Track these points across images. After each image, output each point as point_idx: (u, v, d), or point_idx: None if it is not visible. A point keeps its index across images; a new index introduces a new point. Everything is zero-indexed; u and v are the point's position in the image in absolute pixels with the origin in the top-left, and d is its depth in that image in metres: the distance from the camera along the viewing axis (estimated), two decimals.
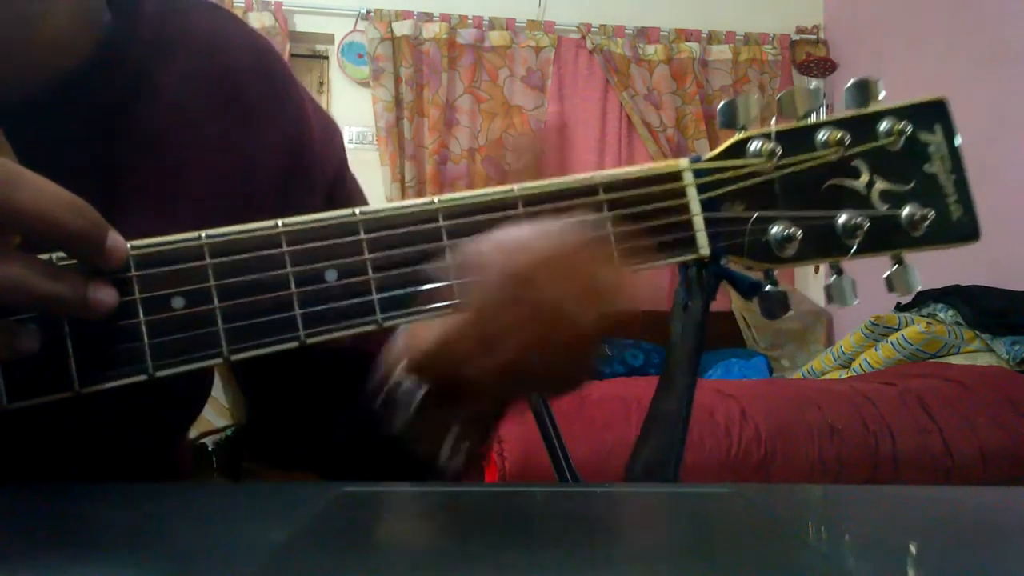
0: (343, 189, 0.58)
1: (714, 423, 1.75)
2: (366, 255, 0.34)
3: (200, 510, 0.27)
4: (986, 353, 2.34)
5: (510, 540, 0.23)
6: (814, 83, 3.52)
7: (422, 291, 0.35)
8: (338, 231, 0.34)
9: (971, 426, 1.83)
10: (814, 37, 3.56)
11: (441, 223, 0.35)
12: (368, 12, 3.24)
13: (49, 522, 0.24)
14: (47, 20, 0.41)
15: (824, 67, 3.44)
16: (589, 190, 0.37)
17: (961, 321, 2.42)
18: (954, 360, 2.33)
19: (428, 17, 3.30)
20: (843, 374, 2.57)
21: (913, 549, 0.23)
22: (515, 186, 0.36)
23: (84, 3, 0.44)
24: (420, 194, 3.25)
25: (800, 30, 3.58)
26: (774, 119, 0.40)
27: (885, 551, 0.21)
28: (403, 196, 3.20)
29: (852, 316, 2.96)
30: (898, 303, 2.70)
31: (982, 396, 1.92)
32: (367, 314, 0.34)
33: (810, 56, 3.47)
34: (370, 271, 0.34)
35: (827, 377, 2.61)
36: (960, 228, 0.40)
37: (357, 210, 0.34)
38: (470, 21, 3.35)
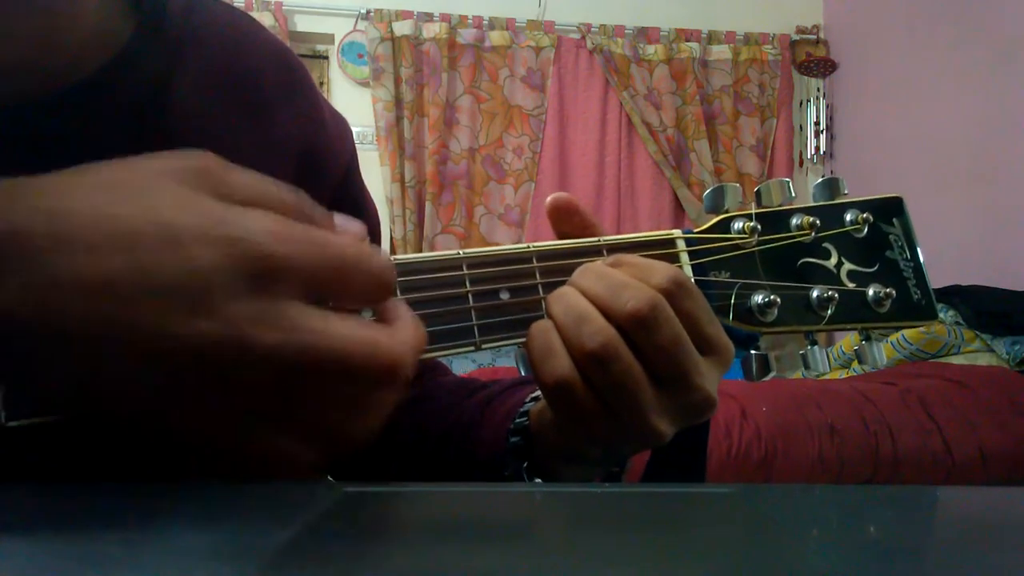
0: (353, 188, 0.59)
1: (715, 423, 1.75)
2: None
3: (200, 510, 0.27)
4: (986, 353, 2.34)
5: (511, 540, 0.23)
6: (815, 82, 3.52)
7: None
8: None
9: (971, 426, 1.83)
10: (814, 37, 3.56)
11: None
12: (368, 12, 3.25)
13: (49, 522, 0.24)
14: (72, 27, 0.41)
15: (824, 67, 3.45)
16: (594, 250, 0.41)
17: (961, 321, 2.42)
18: (954, 360, 2.33)
19: (428, 17, 3.31)
20: (843, 374, 2.57)
21: (913, 549, 0.23)
22: (530, 244, 0.41)
23: (109, 8, 0.45)
24: (420, 194, 3.25)
25: (800, 30, 3.58)
26: (753, 204, 0.45)
27: (885, 551, 0.21)
28: (403, 196, 3.20)
29: None
30: None
31: (982, 396, 1.92)
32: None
33: (810, 56, 3.47)
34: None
35: (827, 377, 2.61)
36: (919, 309, 0.46)
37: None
38: (470, 21, 3.35)
